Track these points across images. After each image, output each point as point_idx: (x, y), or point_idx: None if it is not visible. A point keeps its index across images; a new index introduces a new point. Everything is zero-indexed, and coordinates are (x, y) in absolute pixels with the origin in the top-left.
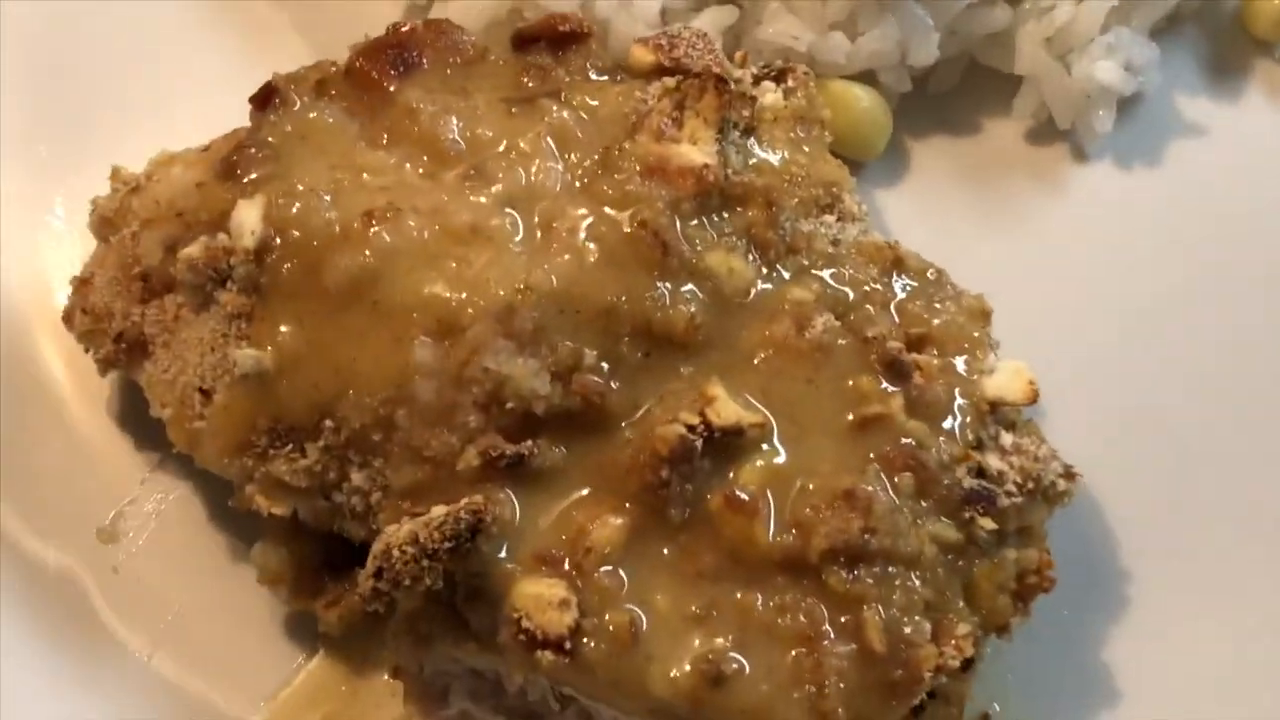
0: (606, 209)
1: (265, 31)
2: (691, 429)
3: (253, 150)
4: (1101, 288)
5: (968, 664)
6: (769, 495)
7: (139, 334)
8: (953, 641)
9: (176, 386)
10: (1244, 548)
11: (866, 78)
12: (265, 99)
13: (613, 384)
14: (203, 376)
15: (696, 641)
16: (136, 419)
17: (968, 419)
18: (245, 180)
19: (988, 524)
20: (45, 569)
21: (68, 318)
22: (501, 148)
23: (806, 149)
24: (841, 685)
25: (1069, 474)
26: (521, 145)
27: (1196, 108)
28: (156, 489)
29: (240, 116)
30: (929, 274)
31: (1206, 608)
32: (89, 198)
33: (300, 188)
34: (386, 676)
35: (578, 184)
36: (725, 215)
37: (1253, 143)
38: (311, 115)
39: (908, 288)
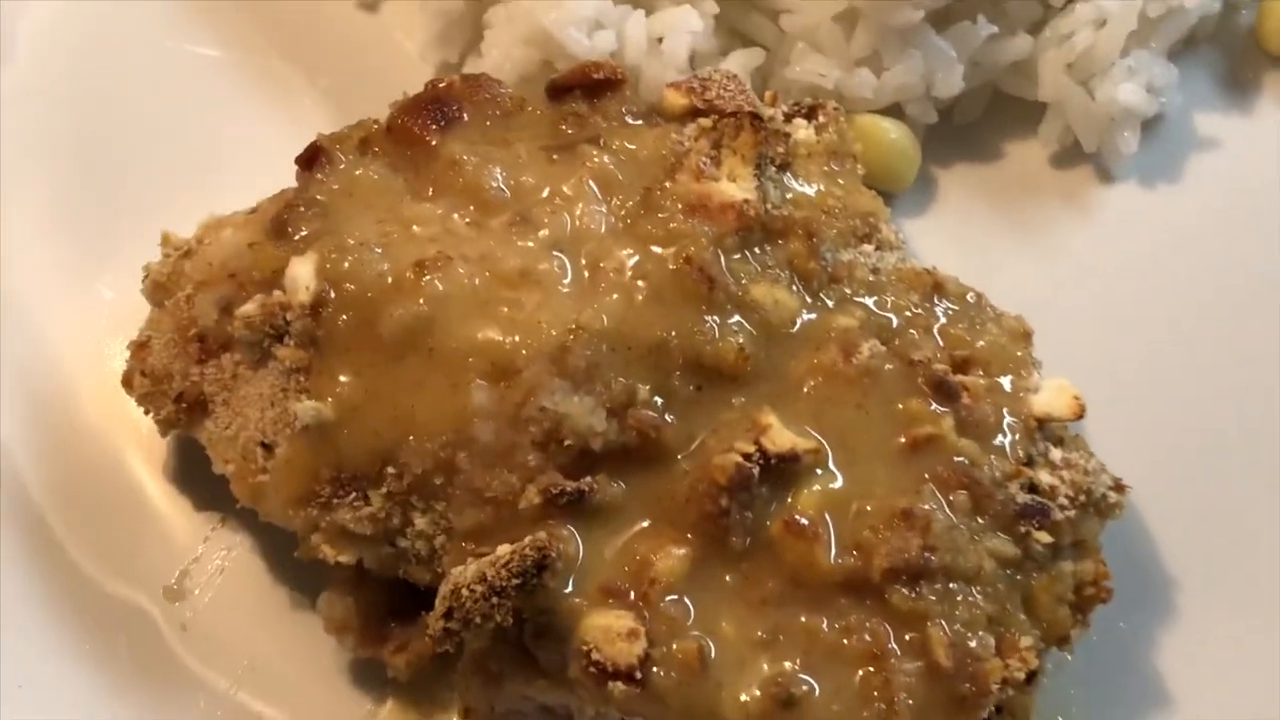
0: (651, 247)
1: (300, 97)
2: (748, 457)
3: (302, 209)
4: (1133, 304)
5: (1031, 676)
6: (828, 519)
7: (198, 393)
8: (1017, 654)
9: (238, 442)
10: None
11: (893, 111)
12: (311, 159)
13: (667, 417)
14: (264, 431)
15: (765, 665)
16: (196, 478)
17: (1017, 436)
18: (296, 238)
19: (1044, 538)
20: (117, 628)
21: (127, 381)
22: (545, 194)
23: (841, 181)
24: (910, 702)
25: (1119, 486)
26: (565, 190)
27: (1216, 124)
28: (220, 545)
29: (284, 178)
30: (969, 297)
31: (1259, 613)
32: (140, 264)
33: (351, 242)
34: (456, 718)
35: (621, 225)
36: (767, 248)
37: (1273, 156)
38: (357, 172)
39: (949, 311)
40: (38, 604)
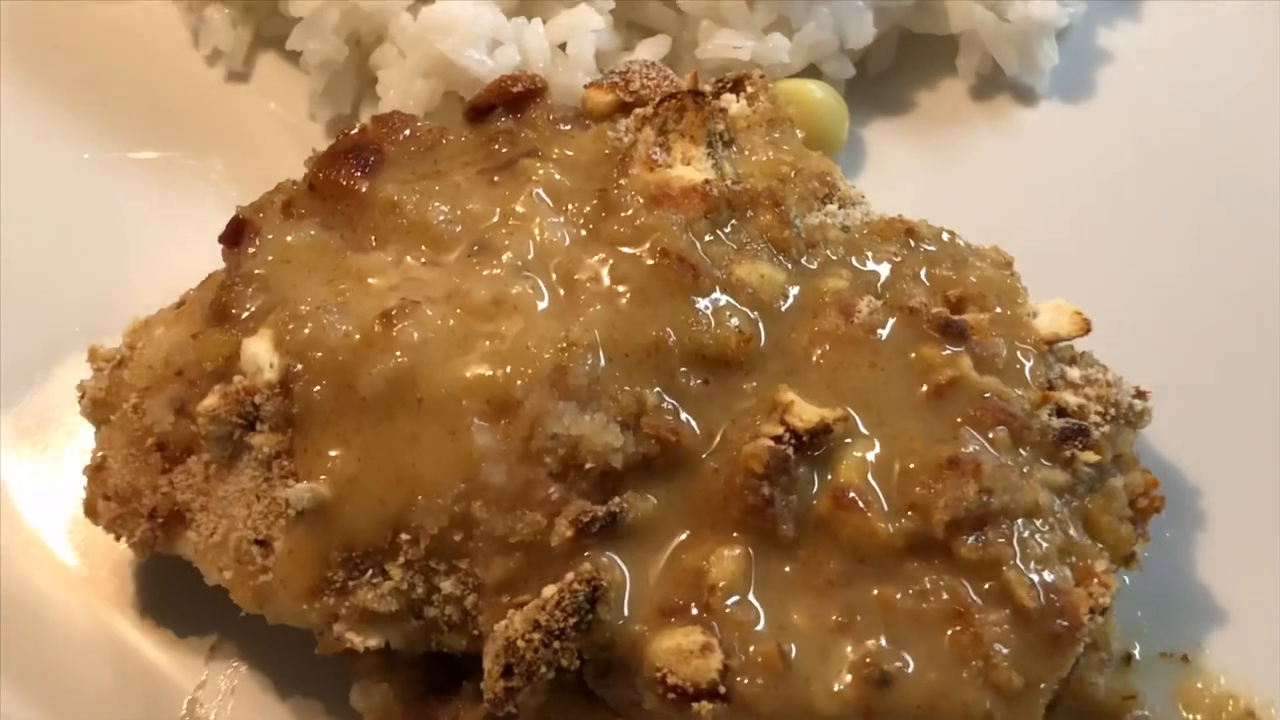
0: (622, 248)
1: (194, 183)
2: (778, 439)
3: (240, 287)
4: (1081, 212)
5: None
6: (874, 485)
7: (172, 505)
8: (1095, 580)
9: (229, 546)
10: None
11: (810, 73)
12: (237, 234)
13: (684, 418)
14: (255, 528)
15: (849, 649)
16: (176, 600)
17: (1032, 363)
18: (243, 318)
19: (1089, 457)
20: None
21: (90, 509)
22: (496, 217)
23: (786, 147)
24: (1006, 651)
25: (1141, 394)
26: (516, 209)
27: (1120, 32)
28: (224, 663)
29: (200, 267)
30: (943, 237)
31: None
32: (72, 386)
33: (305, 309)
34: None
35: (585, 232)
36: (737, 226)
37: (1182, 50)
38: (288, 238)
39: (928, 254)
40: None
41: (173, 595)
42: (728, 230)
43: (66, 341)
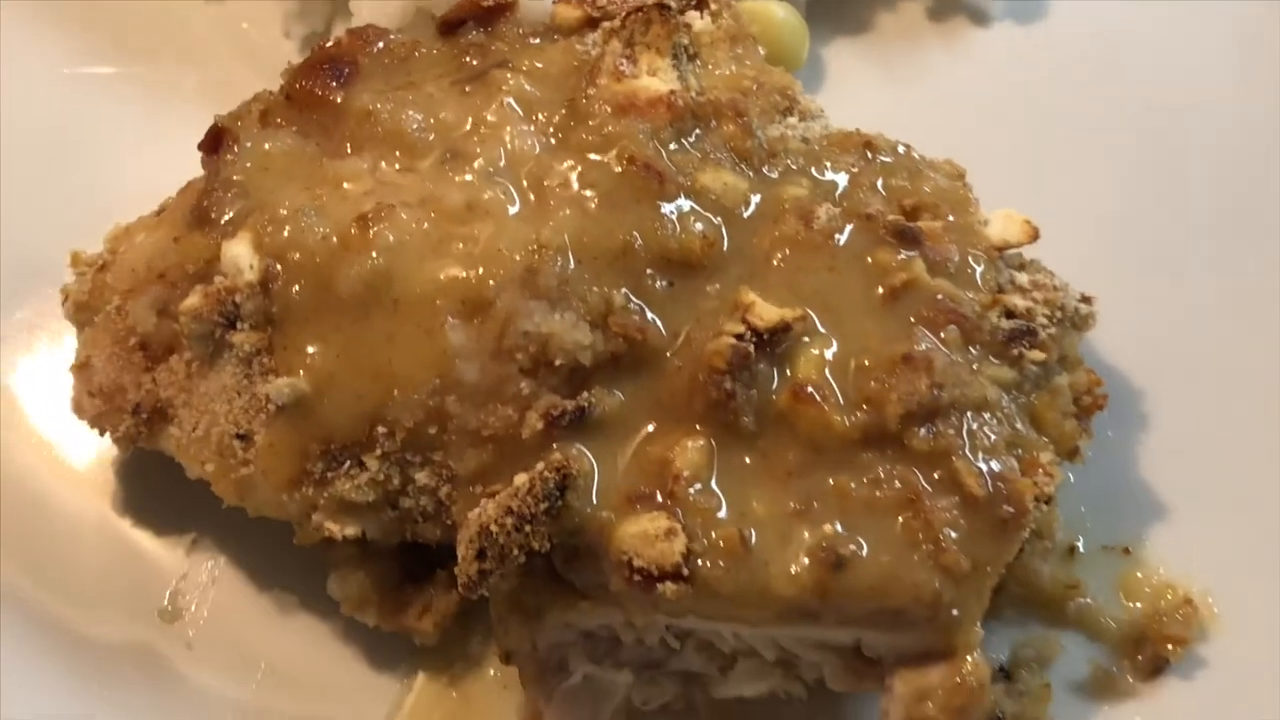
0: (591, 155)
1: (170, 98)
2: (740, 337)
3: (220, 192)
4: (1031, 128)
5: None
6: (831, 381)
7: (155, 401)
8: (1040, 470)
9: (211, 441)
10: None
11: None
12: (215, 142)
13: (649, 318)
14: (236, 422)
15: (806, 534)
16: (157, 495)
17: (983, 268)
18: (223, 222)
19: (1036, 356)
20: (121, 660)
21: (77, 406)
22: (469, 126)
23: (749, 63)
24: (954, 535)
25: (1086, 299)
26: (488, 118)
27: None
28: (205, 556)
29: (177, 177)
30: (899, 149)
31: (1229, 404)
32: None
33: (284, 212)
34: (492, 672)
35: (554, 140)
36: (701, 135)
37: None
38: (266, 145)
39: (884, 165)
40: (33, 668)
41: (156, 489)
42: (692, 139)
43: (49, 248)
